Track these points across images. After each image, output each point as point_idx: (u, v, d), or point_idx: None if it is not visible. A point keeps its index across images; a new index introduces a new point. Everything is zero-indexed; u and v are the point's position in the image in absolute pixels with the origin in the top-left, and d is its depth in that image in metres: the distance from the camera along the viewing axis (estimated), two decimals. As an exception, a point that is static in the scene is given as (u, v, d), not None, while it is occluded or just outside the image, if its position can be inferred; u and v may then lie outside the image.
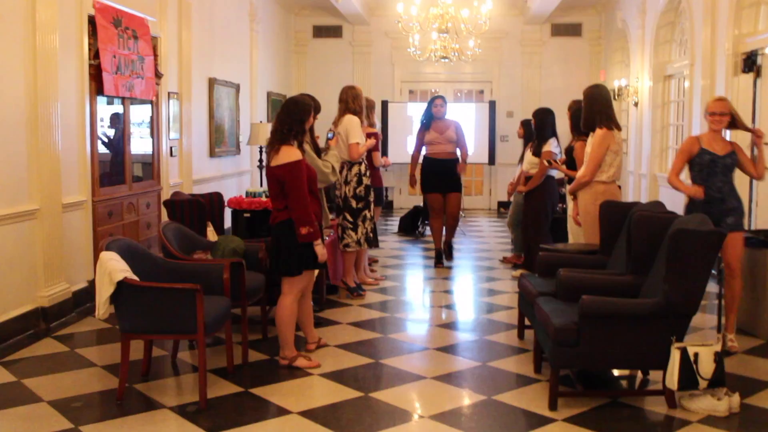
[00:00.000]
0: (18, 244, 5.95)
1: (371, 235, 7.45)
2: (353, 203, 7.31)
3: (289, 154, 5.08)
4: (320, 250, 5.22)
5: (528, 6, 14.25)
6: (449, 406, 4.71)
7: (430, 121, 8.99)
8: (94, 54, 6.96)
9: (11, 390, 4.91)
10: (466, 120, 13.15)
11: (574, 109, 7.52)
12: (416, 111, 15.31)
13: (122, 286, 4.51)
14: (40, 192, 6.18)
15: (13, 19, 5.86)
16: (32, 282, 6.15)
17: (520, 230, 8.78)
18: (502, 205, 15.26)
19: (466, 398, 4.90)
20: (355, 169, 7.30)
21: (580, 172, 6.48)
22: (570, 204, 7.17)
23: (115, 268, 4.53)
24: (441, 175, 8.88)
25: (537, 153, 8.26)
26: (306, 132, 5.33)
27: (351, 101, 7.34)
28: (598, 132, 6.29)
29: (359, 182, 7.30)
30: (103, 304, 4.55)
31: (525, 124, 9.38)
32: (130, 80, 7.42)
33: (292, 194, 5.07)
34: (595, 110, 6.35)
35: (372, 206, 7.45)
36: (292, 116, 5.20)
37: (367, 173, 7.37)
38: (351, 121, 7.22)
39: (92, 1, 6.92)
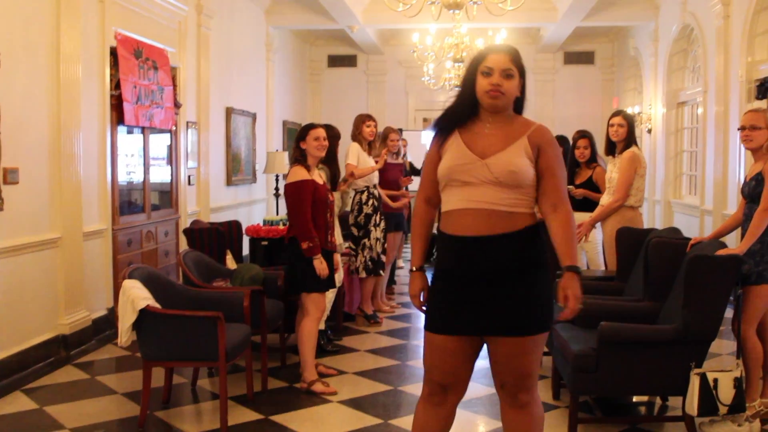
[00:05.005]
0: (40, 273, 6.02)
1: (370, 264, 7.40)
2: (354, 231, 7.38)
3: (294, 174, 5.40)
4: (318, 265, 5.32)
5: (541, 35, 14.36)
6: (468, 433, 4.72)
7: None
8: (115, 84, 7.07)
9: (33, 417, 4.96)
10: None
11: (576, 138, 7.55)
12: (430, 139, 15.41)
13: (144, 313, 4.56)
14: (62, 220, 6.25)
15: (39, 51, 5.98)
16: (53, 310, 6.21)
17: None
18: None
19: (483, 425, 4.90)
20: (356, 198, 7.36)
21: (609, 199, 6.43)
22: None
23: (137, 295, 4.59)
24: None
25: None
26: (308, 153, 5.45)
27: (353, 128, 7.55)
28: (626, 154, 6.29)
29: (360, 210, 7.35)
30: (125, 332, 4.60)
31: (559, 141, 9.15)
32: (149, 110, 7.52)
33: (291, 211, 5.39)
34: (631, 132, 6.40)
35: (372, 234, 7.37)
36: (295, 137, 5.52)
37: (369, 202, 7.40)
38: (350, 147, 7.39)
39: (114, 32, 7.04)
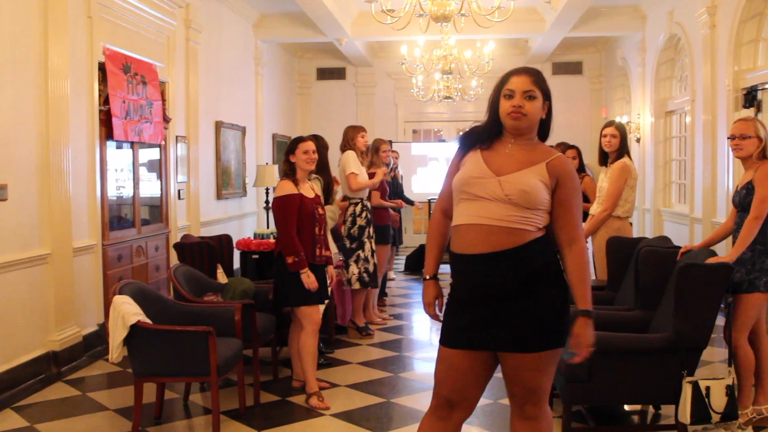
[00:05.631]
0: (30, 289, 6.00)
1: (365, 276, 7.39)
2: (347, 243, 7.38)
3: (281, 188, 5.44)
4: (305, 279, 5.32)
5: (529, 46, 14.43)
6: (462, 445, 4.70)
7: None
8: (104, 99, 7.06)
9: (24, 435, 4.93)
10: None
11: (564, 150, 7.60)
12: (420, 150, 15.46)
13: (135, 329, 4.54)
14: (51, 236, 6.23)
15: (27, 66, 5.97)
16: (43, 326, 6.18)
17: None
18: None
19: (478, 436, 4.90)
20: (350, 209, 7.37)
21: (598, 208, 6.46)
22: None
23: (128, 311, 4.58)
24: None
25: None
26: (297, 167, 5.47)
27: (344, 139, 7.57)
28: (617, 164, 6.32)
29: (353, 222, 7.36)
30: (116, 348, 4.58)
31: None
32: (139, 125, 7.52)
33: (277, 225, 5.42)
34: (623, 142, 6.42)
35: (367, 246, 7.40)
36: (285, 154, 5.53)
37: (363, 214, 7.41)
38: (346, 156, 7.40)
39: (102, 47, 7.04)
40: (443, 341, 3.27)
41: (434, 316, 3.39)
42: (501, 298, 3.12)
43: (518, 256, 3.10)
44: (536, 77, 3.20)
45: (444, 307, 3.34)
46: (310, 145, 5.49)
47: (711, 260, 4.57)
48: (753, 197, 4.68)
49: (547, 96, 3.21)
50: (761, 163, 4.75)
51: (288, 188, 5.38)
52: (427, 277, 3.42)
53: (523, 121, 3.16)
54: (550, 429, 3.34)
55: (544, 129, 3.28)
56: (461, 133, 3.40)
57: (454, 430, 3.31)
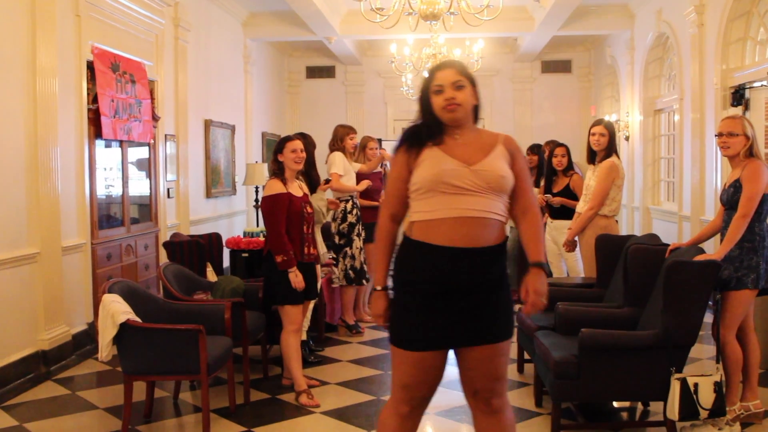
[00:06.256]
0: (18, 288, 5.98)
1: (351, 273, 7.42)
2: (336, 239, 7.40)
3: (269, 187, 5.45)
4: (293, 278, 5.35)
5: (518, 44, 14.44)
6: (452, 442, 4.72)
7: None
8: (93, 98, 7.04)
9: (14, 434, 4.92)
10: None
11: (554, 147, 7.64)
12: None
13: (125, 327, 4.54)
14: (40, 236, 6.21)
15: (14, 65, 5.95)
16: (32, 325, 6.16)
17: (515, 265, 8.81)
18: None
19: (468, 433, 4.92)
20: (341, 206, 7.39)
21: (585, 206, 6.49)
22: (555, 236, 7.29)
23: (117, 310, 4.57)
24: None
25: (537, 185, 8.36)
26: (285, 166, 5.48)
27: (333, 137, 7.61)
28: (605, 163, 6.35)
29: (343, 219, 7.39)
30: (106, 346, 4.58)
31: (535, 149, 8.96)
32: (127, 124, 7.50)
33: (265, 224, 5.43)
34: (612, 141, 6.46)
35: (355, 243, 7.43)
36: (273, 153, 5.55)
37: (353, 211, 7.43)
38: (333, 156, 7.46)
39: (91, 46, 7.02)
40: (402, 344, 3.23)
41: (385, 325, 3.34)
42: (481, 290, 3.16)
43: (496, 253, 3.18)
44: (459, 67, 3.28)
45: (396, 309, 3.27)
46: (298, 144, 5.50)
47: (699, 258, 4.60)
48: (740, 195, 4.71)
49: (473, 82, 3.28)
50: (748, 161, 4.78)
51: (277, 187, 5.40)
52: (379, 287, 3.35)
53: (459, 111, 3.22)
54: (513, 418, 3.40)
55: (477, 114, 3.35)
56: (403, 135, 3.34)
57: (417, 423, 3.36)
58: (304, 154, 5.55)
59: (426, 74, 3.38)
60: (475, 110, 3.31)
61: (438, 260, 3.14)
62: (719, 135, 4.93)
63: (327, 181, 7.20)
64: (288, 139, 5.55)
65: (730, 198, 4.81)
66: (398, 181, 3.29)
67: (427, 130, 3.27)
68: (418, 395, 3.26)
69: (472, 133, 3.29)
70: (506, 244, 3.25)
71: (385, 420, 3.35)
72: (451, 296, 3.14)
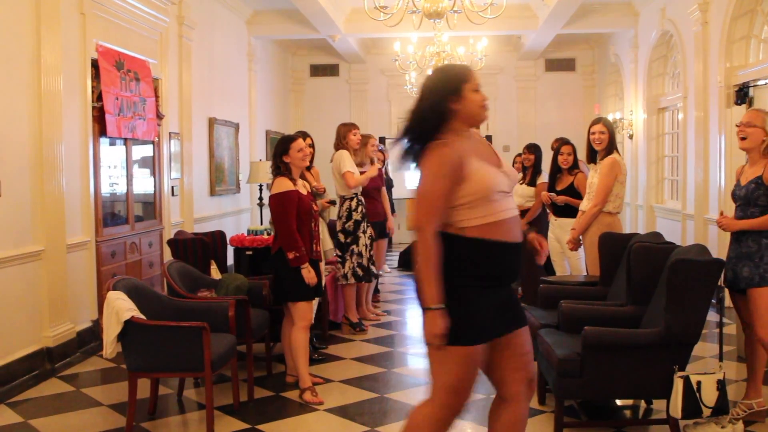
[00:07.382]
0: (23, 286, 6.00)
1: (359, 270, 7.43)
2: (342, 237, 7.41)
3: (278, 185, 5.43)
4: (306, 274, 5.38)
5: (522, 42, 14.44)
6: (455, 439, 4.72)
7: None
8: (97, 96, 7.06)
9: (18, 431, 4.93)
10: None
11: (560, 145, 7.64)
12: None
13: (129, 325, 4.55)
14: (45, 233, 6.23)
15: (19, 63, 5.97)
16: (37, 322, 6.18)
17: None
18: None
19: (471, 431, 4.92)
20: (346, 204, 7.40)
21: (589, 204, 6.49)
22: (558, 234, 7.29)
23: (122, 307, 4.58)
24: None
25: (533, 184, 8.37)
26: (293, 165, 5.48)
27: (337, 137, 7.59)
28: (606, 160, 6.35)
29: (348, 217, 7.39)
30: (110, 343, 4.59)
31: (533, 148, 8.79)
32: (132, 122, 7.51)
33: (277, 222, 5.43)
34: (612, 139, 6.46)
35: (361, 241, 7.42)
36: (276, 152, 5.52)
37: (358, 209, 7.44)
38: (339, 155, 7.43)
39: (95, 44, 7.04)
40: (480, 338, 3.22)
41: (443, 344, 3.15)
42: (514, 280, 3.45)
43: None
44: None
45: (468, 304, 3.19)
46: (302, 142, 5.53)
47: (736, 225, 4.82)
48: (762, 192, 4.71)
49: None
50: None
51: (286, 185, 5.41)
52: (434, 306, 3.12)
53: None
54: None
55: None
56: (441, 150, 3.21)
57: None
58: (309, 149, 5.57)
59: (430, 72, 3.44)
60: None
61: (509, 255, 3.29)
62: (739, 124, 4.93)
63: (332, 203, 7.27)
64: (291, 139, 5.56)
65: (750, 194, 4.78)
66: (443, 199, 3.18)
67: (433, 130, 3.29)
68: (464, 400, 3.29)
69: (470, 134, 3.40)
70: None
71: (420, 423, 3.30)
72: (504, 287, 3.35)
